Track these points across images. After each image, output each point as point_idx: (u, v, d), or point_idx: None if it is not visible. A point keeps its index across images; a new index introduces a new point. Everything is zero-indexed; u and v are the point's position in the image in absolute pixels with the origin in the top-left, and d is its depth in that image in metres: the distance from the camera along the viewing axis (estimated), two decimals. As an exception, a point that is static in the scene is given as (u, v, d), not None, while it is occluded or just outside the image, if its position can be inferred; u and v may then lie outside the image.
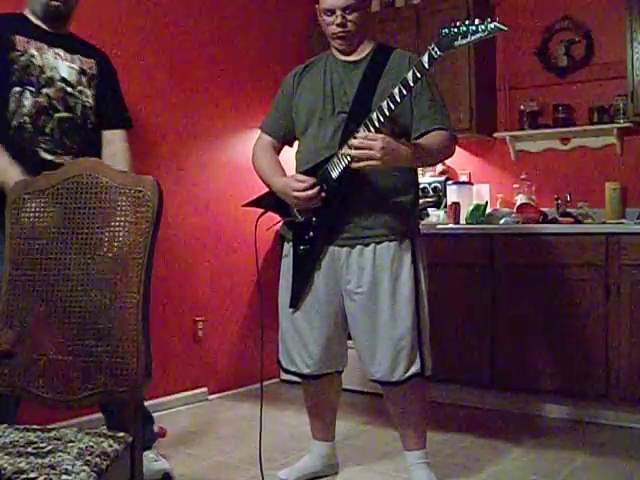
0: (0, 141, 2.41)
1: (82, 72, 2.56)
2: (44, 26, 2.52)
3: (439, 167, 4.56)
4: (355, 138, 2.35)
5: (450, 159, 4.50)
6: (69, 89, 2.51)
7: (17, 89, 2.42)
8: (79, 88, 2.54)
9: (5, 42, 2.42)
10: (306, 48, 4.64)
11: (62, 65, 2.50)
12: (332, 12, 2.52)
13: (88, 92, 2.57)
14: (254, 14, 4.44)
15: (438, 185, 4.47)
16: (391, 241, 2.55)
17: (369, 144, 2.28)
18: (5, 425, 1.69)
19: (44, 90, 2.46)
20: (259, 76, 4.41)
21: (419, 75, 2.25)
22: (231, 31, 4.29)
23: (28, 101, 2.43)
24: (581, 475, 2.88)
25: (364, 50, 2.61)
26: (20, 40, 2.44)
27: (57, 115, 2.48)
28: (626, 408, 3.48)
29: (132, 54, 3.74)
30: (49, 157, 2.45)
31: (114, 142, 2.66)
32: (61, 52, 2.52)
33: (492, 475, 2.90)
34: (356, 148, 2.32)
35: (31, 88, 2.44)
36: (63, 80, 2.50)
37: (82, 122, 2.55)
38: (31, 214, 1.82)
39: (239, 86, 4.34)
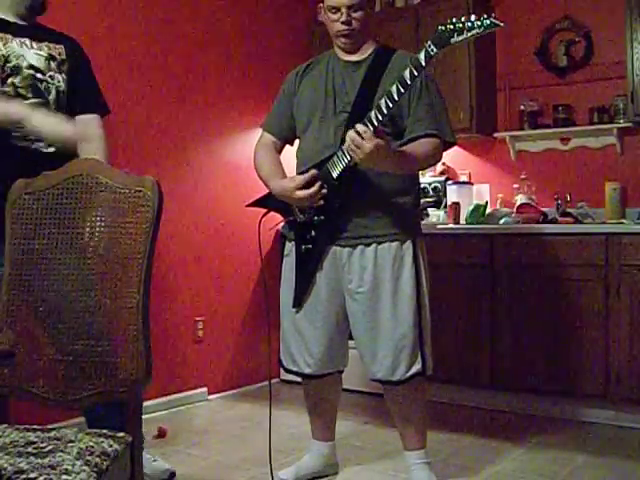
0: None
1: (51, 58, 2.51)
2: (9, 18, 2.47)
3: (439, 167, 4.56)
4: (354, 130, 2.35)
5: (450, 159, 4.56)
6: (39, 75, 2.46)
7: None
8: (49, 74, 2.49)
9: None
10: (306, 48, 4.64)
11: (29, 53, 2.45)
12: (337, 10, 2.52)
13: (59, 77, 2.51)
14: (254, 14, 4.44)
15: (438, 185, 4.48)
16: (392, 241, 2.55)
17: (360, 143, 2.26)
18: (5, 425, 1.69)
19: (10, 79, 2.41)
20: (259, 76, 4.41)
21: (416, 73, 2.23)
22: (231, 31, 4.29)
23: None
24: (581, 475, 2.88)
25: (366, 50, 2.61)
26: None
27: (26, 102, 2.40)
28: (626, 408, 3.48)
29: (131, 53, 3.74)
30: (23, 144, 2.39)
31: (88, 129, 2.54)
32: (27, 41, 2.47)
33: (492, 475, 2.90)
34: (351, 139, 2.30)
35: None
36: (31, 67, 2.45)
37: (56, 107, 2.48)
38: (31, 214, 1.81)
39: (239, 85, 4.34)
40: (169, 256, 3.84)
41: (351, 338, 2.69)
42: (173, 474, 2.83)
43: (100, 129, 2.56)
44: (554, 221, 3.89)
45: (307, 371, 2.69)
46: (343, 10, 2.50)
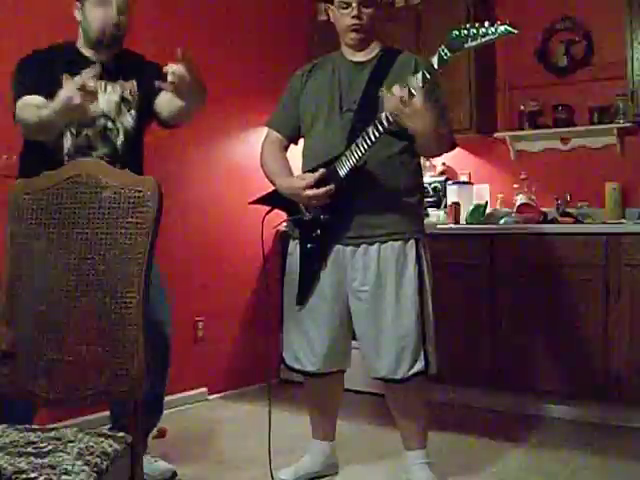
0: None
1: (122, 100, 2.57)
2: (94, 57, 2.52)
3: (439, 167, 4.57)
4: (364, 136, 2.40)
5: (450, 159, 4.56)
6: (109, 124, 2.53)
7: None
8: (120, 119, 2.56)
9: (54, 80, 2.36)
10: (307, 48, 4.64)
11: (102, 98, 2.50)
12: (348, 5, 2.56)
13: (128, 116, 2.58)
14: (255, 13, 4.44)
15: (438, 185, 4.47)
16: (396, 241, 2.56)
17: (406, 102, 2.27)
18: (5, 425, 1.69)
19: (84, 131, 2.49)
20: (260, 76, 4.40)
21: (428, 76, 2.27)
22: (232, 30, 4.29)
23: (68, 142, 2.47)
24: (581, 475, 2.88)
25: (372, 51, 2.64)
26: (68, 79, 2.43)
27: (95, 153, 2.50)
28: (626, 408, 3.48)
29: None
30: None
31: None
32: (102, 83, 2.50)
33: (492, 475, 2.90)
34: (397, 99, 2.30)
35: (72, 129, 2.47)
36: (103, 116, 2.52)
37: (122, 149, 2.55)
38: (31, 214, 1.82)
39: (239, 85, 4.33)
40: (169, 256, 3.83)
41: (354, 338, 2.69)
42: (175, 474, 2.84)
43: None
44: (554, 221, 3.89)
45: (310, 369, 2.70)
46: (354, 5, 2.55)
